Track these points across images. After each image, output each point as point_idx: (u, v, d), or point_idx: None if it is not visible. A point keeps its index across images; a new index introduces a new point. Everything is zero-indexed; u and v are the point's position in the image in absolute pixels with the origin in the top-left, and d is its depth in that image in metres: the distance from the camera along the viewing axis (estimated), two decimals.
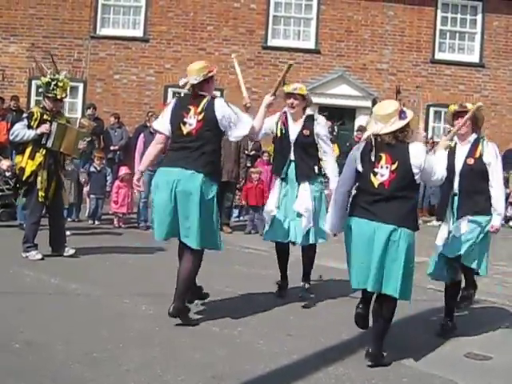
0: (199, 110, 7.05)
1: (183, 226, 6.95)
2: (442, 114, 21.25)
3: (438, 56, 21.50)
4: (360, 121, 20.40)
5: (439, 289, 7.80)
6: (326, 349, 6.52)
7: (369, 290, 6.14)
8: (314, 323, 7.37)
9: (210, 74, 7.18)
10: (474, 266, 7.05)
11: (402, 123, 6.16)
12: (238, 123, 7.13)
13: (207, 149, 7.02)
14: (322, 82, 20.84)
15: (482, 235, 7.06)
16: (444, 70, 21.48)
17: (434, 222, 17.41)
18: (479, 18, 21.54)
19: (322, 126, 8.40)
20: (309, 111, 8.47)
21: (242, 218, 16.33)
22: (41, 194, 9.71)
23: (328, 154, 8.35)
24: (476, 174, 7.08)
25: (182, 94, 7.70)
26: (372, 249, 6.03)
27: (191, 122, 7.05)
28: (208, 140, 7.04)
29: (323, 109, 20.71)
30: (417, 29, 21.35)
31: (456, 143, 7.26)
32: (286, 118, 8.44)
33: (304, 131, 8.25)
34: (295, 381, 5.62)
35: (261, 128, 7.57)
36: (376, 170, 6.13)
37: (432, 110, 21.46)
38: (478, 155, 7.11)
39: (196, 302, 7.58)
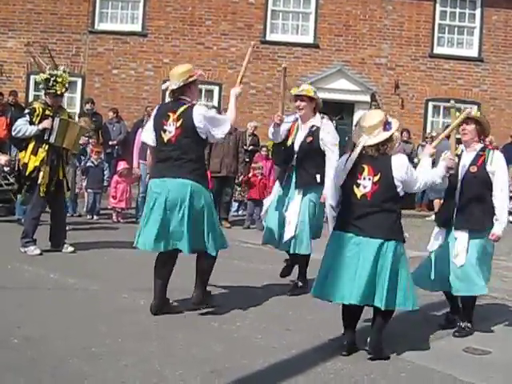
0: (177, 116, 6.98)
1: (176, 233, 6.95)
2: (441, 108, 21.26)
3: (437, 50, 21.48)
4: (359, 115, 20.36)
5: None
6: (324, 343, 6.52)
7: (355, 303, 6.08)
8: (313, 318, 7.37)
9: (190, 79, 7.08)
10: (476, 293, 7.03)
11: (385, 135, 6.19)
12: (217, 126, 7.10)
13: (190, 156, 6.98)
14: (321, 77, 20.82)
15: (480, 260, 7.01)
16: (443, 64, 21.46)
17: (433, 217, 17.48)
18: (478, 12, 21.51)
19: (327, 132, 8.25)
20: (317, 118, 8.30)
21: (240, 212, 16.33)
22: (42, 189, 9.69)
23: (330, 161, 8.10)
24: (478, 183, 7.03)
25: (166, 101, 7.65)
26: (357, 264, 6.03)
27: (170, 129, 7.00)
28: (189, 147, 6.99)
29: (322, 103, 20.73)
30: (415, 23, 21.32)
31: (462, 151, 7.24)
32: (297, 124, 8.38)
33: (307, 138, 8.19)
34: (294, 375, 5.62)
35: (235, 120, 7.44)
36: (359, 181, 6.15)
37: (431, 104, 21.44)
38: (480, 163, 7.06)
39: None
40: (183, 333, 6.57)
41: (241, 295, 8.15)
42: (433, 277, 7.11)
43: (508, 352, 6.67)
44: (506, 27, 21.57)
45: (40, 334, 6.22)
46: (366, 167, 6.15)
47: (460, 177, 7.07)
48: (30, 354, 5.67)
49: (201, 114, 7.02)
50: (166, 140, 7.01)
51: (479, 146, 7.18)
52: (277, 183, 8.58)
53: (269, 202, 8.53)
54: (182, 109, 7.00)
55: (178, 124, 6.95)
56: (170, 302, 7.28)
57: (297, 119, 8.40)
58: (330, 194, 6.65)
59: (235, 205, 16.37)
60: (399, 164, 6.17)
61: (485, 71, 21.56)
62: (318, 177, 8.15)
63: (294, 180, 8.24)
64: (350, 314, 6.25)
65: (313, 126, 8.24)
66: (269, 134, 8.46)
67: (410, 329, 7.10)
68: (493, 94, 21.48)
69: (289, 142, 8.33)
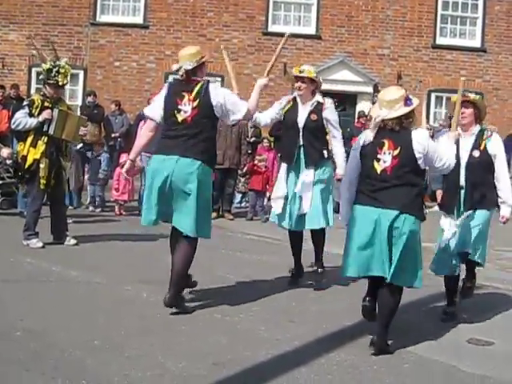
0: (193, 96, 6.92)
1: (179, 213, 6.87)
2: (444, 99, 21.23)
3: (440, 41, 21.45)
4: (361, 106, 20.36)
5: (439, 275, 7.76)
6: (328, 335, 6.51)
7: (372, 274, 6.09)
8: (317, 310, 7.36)
9: (202, 60, 7.08)
10: (479, 260, 7.15)
11: (407, 109, 6.13)
12: (233, 108, 7.06)
13: (203, 136, 6.93)
14: (323, 68, 20.74)
15: (485, 229, 7.12)
16: (445, 55, 21.43)
17: (436, 208, 17.47)
18: (481, 2, 21.46)
19: (330, 110, 8.33)
20: (318, 96, 8.34)
21: (243, 204, 16.32)
22: (42, 181, 9.68)
23: (337, 139, 8.37)
24: (482, 167, 7.07)
25: (172, 80, 7.49)
26: (376, 235, 5.99)
27: (186, 109, 6.93)
28: (204, 127, 6.95)
29: (324, 94, 20.69)
30: (418, 14, 21.28)
31: (460, 134, 7.18)
32: (296, 103, 8.35)
33: (312, 116, 8.18)
34: (297, 367, 5.61)
35: (255, 110, 7.49)
36: (379, 156, 6.08)
37: (433, 95, 21.40)
38: (483, 147, 7.09)
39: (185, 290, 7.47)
40: (186, 325, 6.56)
41: (244, 287, 8.14)
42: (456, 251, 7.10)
43: (511, 342, 6.65)
44: (508, 17, 21.53)
45: (42, 326, 6.23)
46: (386, 142, 6.08)
47: (463, 162, 7.05)
48: (32, 347, 5.67)
49: (220, 93, 7.03)
50: (180, 120, 6.93)
51: (477, 128, 7.20)
52: (283, 165, 8.47)
53: (283, 187, 8.38)
54: (197, 87, 6.96)
55: (195, 104, 6.90)
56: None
57: (294, 98, 8.40)
58: (346, 171, 6.82)
59: (238, 196, 16.36)
60: (420, 137, 6.09)
61: (487, 62, 21.53)
62: (325, 152, 8.25)
63: (302, 159, 8.20)
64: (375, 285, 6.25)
65: (315, 103, 8.25)
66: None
67: (413, 320, 7.09)
68: (496, 84, 21.44)
69: (287, 119, 8.35)
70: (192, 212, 6.80)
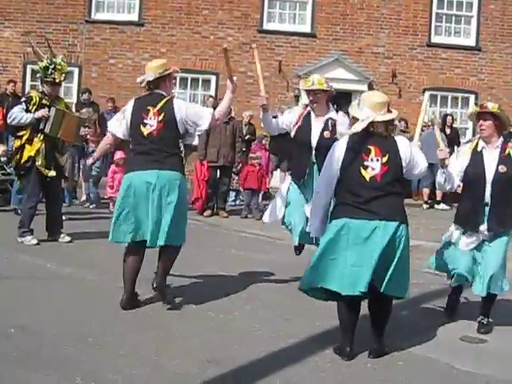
0: (157, 109, 6.96)
1: (156, 225, 6.84)
2: (438, 97, 21.26)
3: (434, 39, 21.47)
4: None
5: (435, 272, 7.77)
6: (322, 333, 6.51)
7: (363, 290, 5.72)
8: (310, 307, 7.35)
9: (166, 72, 7.09)
10: (497, 291, 6.80)
11: (393, 115, 6.03)
12: (196, 118, 7.07)
13: (171, 149, 6.98)
14: (318, 66, 20.76)
15: (505, 258, 6.80)
16: (440, 53, 21.45)
17: (425, 206, 17.64)
18: (475, 1, 21.48)
19: (344, 126, 7.68)
20: (331, 111, 8.01)
21: (238, 202, 16.32)
22: (43, 170, 9.65)
23: None
24: (509, 183, 6.71)
25: (138, 96, 7.51)
26: (372, 249, 5.70)
27: (151, 122, 6.96)
28: (169, 140, 6.99)
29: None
30: (413, 12, 21.29)
31: (483, 147, 6.85)
32: (308, 117, 8.02)
33: (325, 133, 7.85)
34: (291, 365, 5.62)
35: (223, 117, 7.58)
36: (366, 163, 5.83)
37: (428, 93, 21.39)
38: (510, 162, 6.73)
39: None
40: (180, 322, 6.57)
41: (237, 285, 8.13)
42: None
43: (504, 341, 6.67)
44: (503, 16, 21.56)
45: (36, 323, 6.22)
46: (372, 148, 5.85)
47: (489, 177, 6.70)
48: (26, 344, 5.68)
49: (182, 106, 7.07)
50: (146, 134, 6.95)
51: (500, 141, 6.83)
52: (291, 183, 8.08)
53: (283, 200, 8.10)
54: (162, 102, 6.99)
55: (160, 118, 6.93)
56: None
57: (308, 112, 8.06)
58: (324, 181, 6.19)
59: (232, 194, 16.36)
60: (405, 145, 5.96)
61: (482, 60, 21.56)
62: None
63: (315, 177, 7.63)
64: (351, 312, 5.92)
65: (329, 120, 7.91)
66: (262, 123, 8.13)
67: (407, 318, 7.11)
68: (490, 83, 21.47)
69: (301, 138, 7.97)
70: (167, 223, 6.81)
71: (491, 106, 6.78)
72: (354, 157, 5.87)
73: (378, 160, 5.82)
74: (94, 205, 14.29)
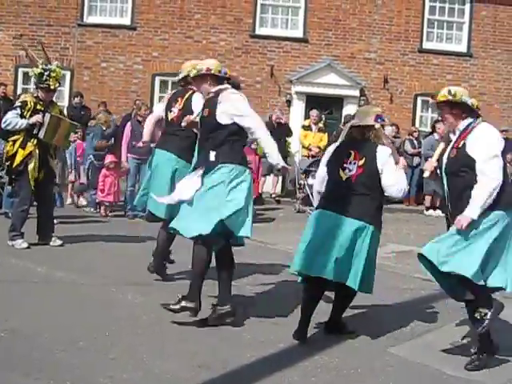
0: (183, 101, 8.11)
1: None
2: (430, 103, 21.27)
3: (426, 45, 21.51)
4: (348, 110, 20.39)
5: (426, 278, 7.78)
6: (312, 337, 6.52)
7: (328, 278, 6.22)
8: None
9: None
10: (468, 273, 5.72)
11: (371, 123, 6.44)
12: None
13: (185, 134, 7.72)
14: (310, 71, 20.82)
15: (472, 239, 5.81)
16: (432, 59, 21.49)
17: (425, 212, 17.59)
18: (467, 7, 21.54)
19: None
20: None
21: None
22: (32, 183, 9.67)
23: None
24: (459, 168, 5.89)
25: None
26: (335, 241, 6.21)
27: (174, 110, 8.17)
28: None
29: (311, 98, 20.76)
30: (405, 18, 21.34)
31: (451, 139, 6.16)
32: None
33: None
34: (281, 369, 5.63)
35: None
36: (345, 165, 6.40)
37: (419, 99, 21.48)
38: (461, 144, 5.92)
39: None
40: (171, 327, 6.56)
41: None
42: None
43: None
44: (494, 23, 21.62)
45: (27, 327, 6.21)
46: (352, 152, 6.40)
47: (443, 165, 6.08)
48: (17, 347, 5.67)
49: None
50: (169, 118, 8.20)
51: (463, 123, 6.02)
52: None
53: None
54: (187, 94, 8.10)
55: (180, 107, 8.08)
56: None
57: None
58: (318, 182, 6.83)
59: None
60: (383, 153, 6.36)
61: (473, 66, 21.61)
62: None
63: None
64: (311, 297, 6.48)
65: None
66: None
67: (397, 323, 7.11)
68: (481, 89, 21.51)
69: None
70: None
71: (440, 95, 6.10)
72: (336, 160, 6.50)
73: (355, 163, 6.36)
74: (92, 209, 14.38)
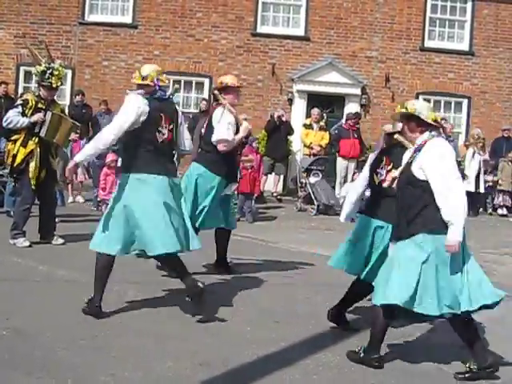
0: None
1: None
2: (432, 102, 21.26)
3: (428, 44, 21.49)
4: (349, 108, 20.38)
5: None
6: (313, 336, 6.53)
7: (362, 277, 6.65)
8: (302, 311, 7.38)
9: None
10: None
11: (390, 128, 6.82)
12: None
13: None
14: (312, 70, 20.80)
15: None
16: (433, 57, 21.47)
17: None
18: (469, 5, 21.51)
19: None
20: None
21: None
22: (32, 182, 9.67)
23: None
24: (404, 184, 5.79)
25: None
26: (371, 243, 6.62)
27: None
28: None
29: (312, 96, 20.75)
30: (406, 16, 21.31)
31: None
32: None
33: None
34: (283, 368, 5.63)
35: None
36: (378, 170, 6.72)
37: (421, 98, 21.44)
38: (410, 160, 5.79)
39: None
40: (172, 325, 6.57)
41: (229, 288, 8.14)
42: None
43: (495, 347, 6.68)
44: (496, 21, 21.59)
45: (29, 325, 6.22)
46: (384, 158, 6.71)
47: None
48: (18, 346, 5.67)
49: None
50: None
51: (423, 136, 5.79)
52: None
53: None
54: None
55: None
56: None
57: None
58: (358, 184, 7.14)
59: None
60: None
61: (475, 65, 21.58)
62: None
63: None
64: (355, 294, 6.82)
65: None
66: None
67: (396, 323, 7.11)
68: (483, 87, 21.50)
69: None
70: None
71: (396, 110, 6.01)
72: (372, 166, 6.83)
73: (385, 168, 6.65)
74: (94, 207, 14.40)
